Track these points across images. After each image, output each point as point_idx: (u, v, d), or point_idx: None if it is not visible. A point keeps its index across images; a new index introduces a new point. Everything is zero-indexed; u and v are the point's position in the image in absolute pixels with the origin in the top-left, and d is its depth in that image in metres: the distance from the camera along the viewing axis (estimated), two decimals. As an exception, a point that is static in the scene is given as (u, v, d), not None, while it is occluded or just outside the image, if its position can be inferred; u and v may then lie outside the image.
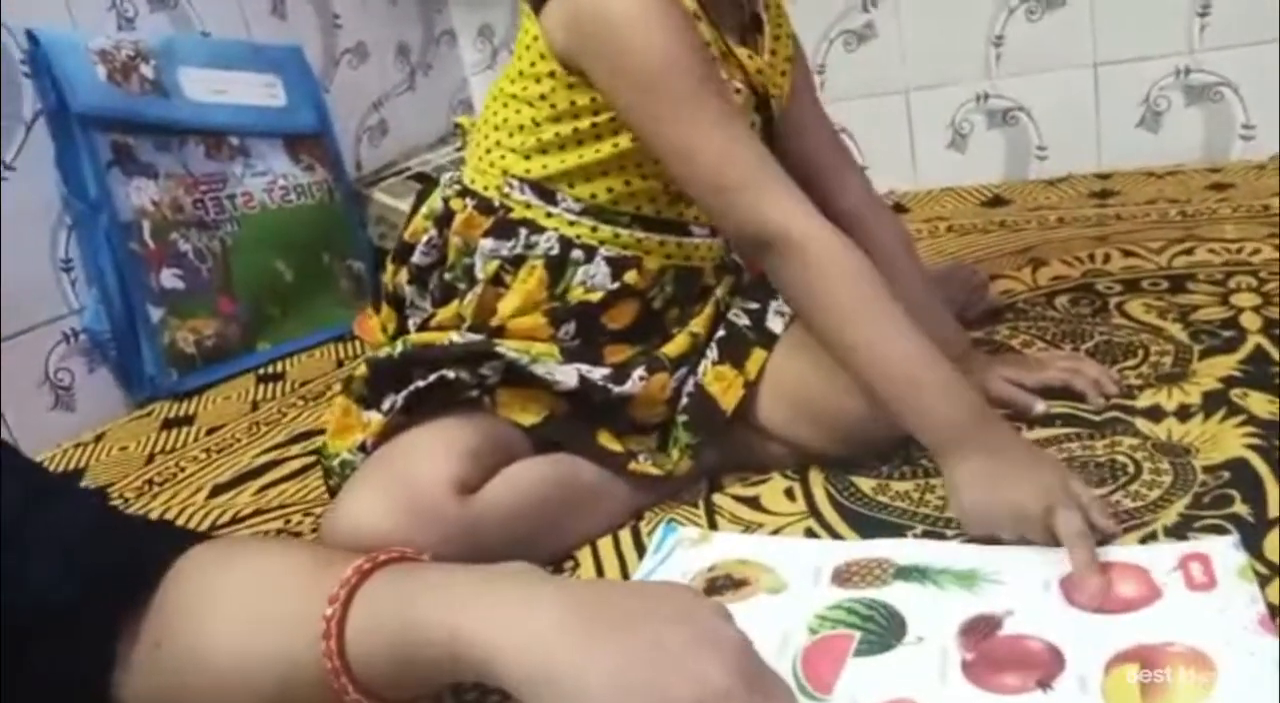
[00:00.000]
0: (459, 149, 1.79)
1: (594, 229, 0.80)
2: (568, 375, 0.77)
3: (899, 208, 1.57)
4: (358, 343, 1.44)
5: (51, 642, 0.55)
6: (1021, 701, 0.51)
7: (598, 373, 0.79)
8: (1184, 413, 0.78)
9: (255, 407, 1.27)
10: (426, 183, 1.62)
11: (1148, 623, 0.54)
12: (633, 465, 0.78)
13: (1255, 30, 1.41)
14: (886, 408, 0.71)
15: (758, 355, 0.82)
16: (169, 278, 1.34)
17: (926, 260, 1.23)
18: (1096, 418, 0.80)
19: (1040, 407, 0.82)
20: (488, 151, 0.82)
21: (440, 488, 0.70)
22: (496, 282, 0.81)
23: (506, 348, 0.77)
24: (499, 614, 0.47)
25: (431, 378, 0.75)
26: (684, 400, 0.82)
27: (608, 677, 0.44)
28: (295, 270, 1.49)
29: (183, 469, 1.09)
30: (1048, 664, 0.53)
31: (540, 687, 0.45)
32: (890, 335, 0.70)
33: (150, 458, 1.15)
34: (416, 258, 0.84)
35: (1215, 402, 0.79)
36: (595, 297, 0.80)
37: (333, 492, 0.80)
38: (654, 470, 0.78)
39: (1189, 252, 1.13)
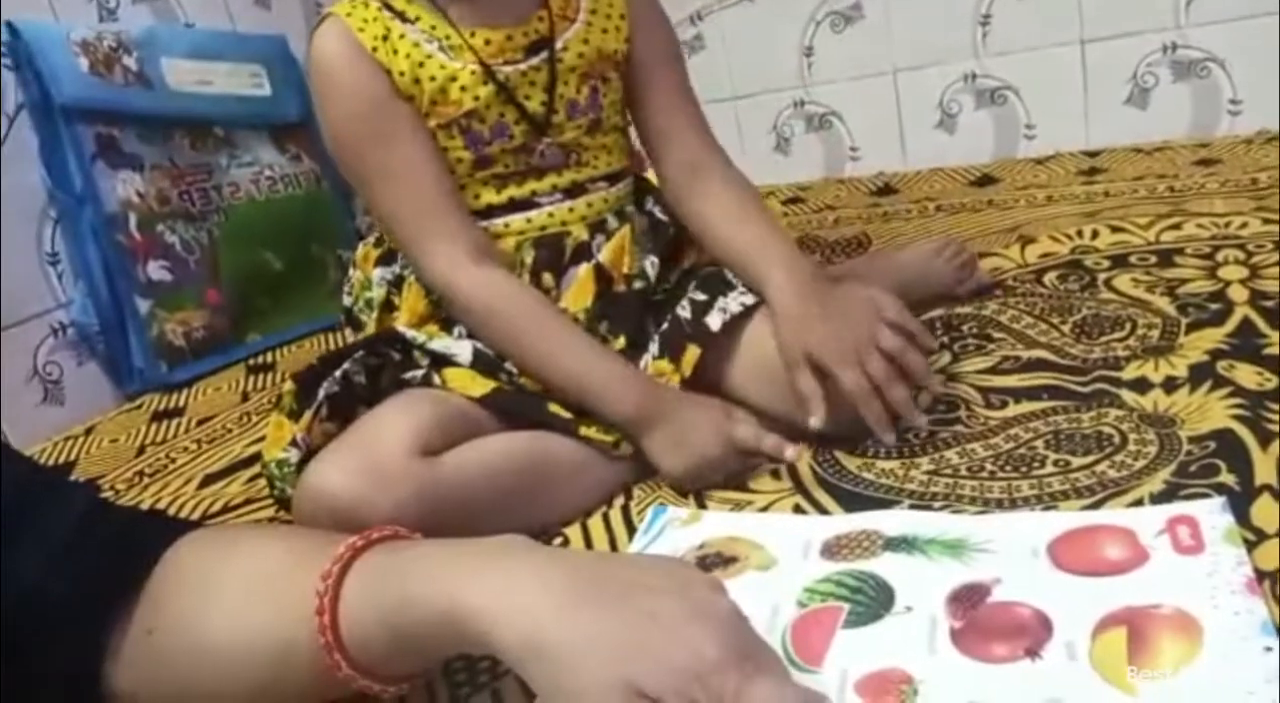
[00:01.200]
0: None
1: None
2: (463, 348, 0.82)
3: (888, 189, 1.57)
4: (347, 332, 1.43)
5: (44, 634, 0.55)
6: (1010, 669, 0.51)
7: (494, 350, 0.82)
8: (1170, 385, 0.78)
9: (246, 398, 1.26)
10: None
11: (1135, 586, 0.54)
12: (582, 430, 0.79)
13: (1242, 5, 1.40)
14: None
15: (692, 352, 0.83)
16: (156, 270, 1.34)
17: (915, 240, 1.23)
18: (1083, 390, 0.81)
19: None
20: None
21: (400, 450, 0.72)
22: (389, 305, 0.87)
23: (404, 329, 0.83)
24: (497, 585, 0.47)
25: (345, 365, 0.79)
26: None
27: (602, 647, 0.44)
28: (284, 261, 1.48)
29: (173, 460, 1.09)
30: (1036, 631, 0.53)
31: (536, 656, 0.45)
32: (555, 352, 0.79)
33: (141, 450, 1.15)
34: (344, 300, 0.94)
35: (1202, 373, 0.79)
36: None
37: (278, 500, 0.79)
38: (604, 438, 0.79)
39: (1177, 226, 1.13)
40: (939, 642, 0.54)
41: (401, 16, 0.82)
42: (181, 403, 1.29)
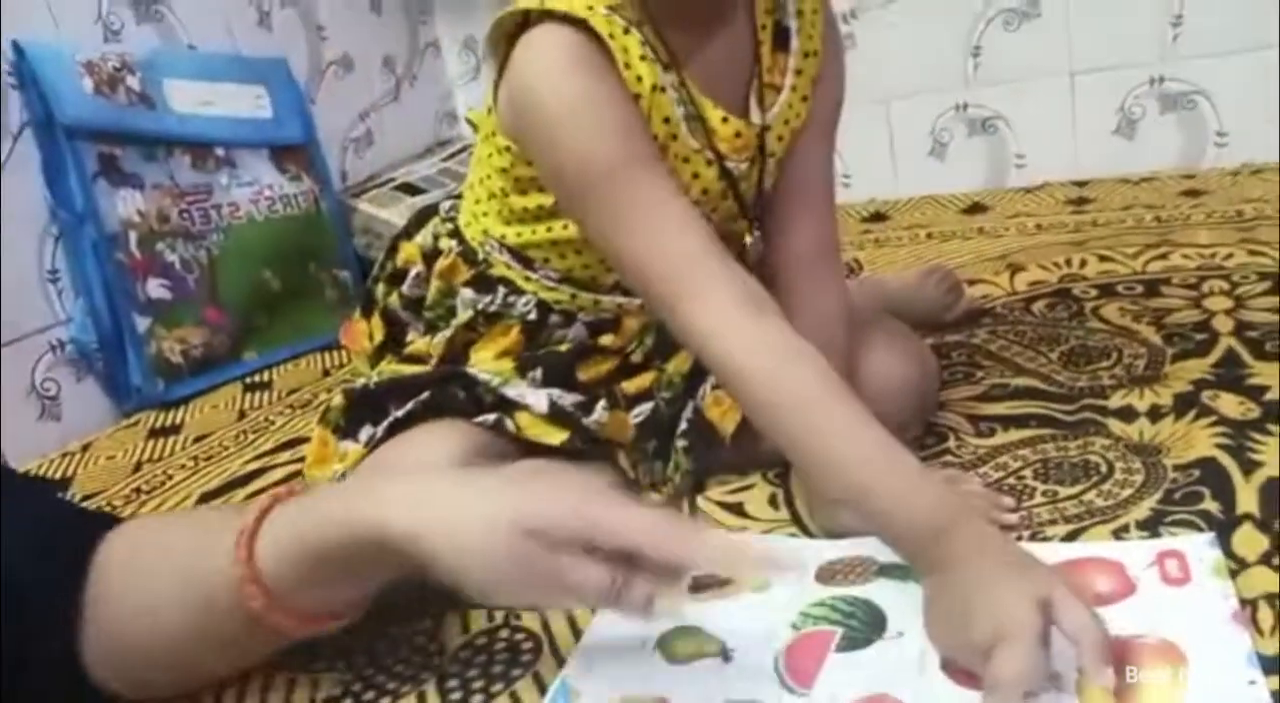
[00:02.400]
0: (445, 159, 1.80)
1: (573, 297, 0.80)
2: (539, 400, 0.78)
3: (879, 215, 1.59)
4: (344, 352, 1.44)
5: (22, 615, 0.58)
6: (997, 695, 0.52)
7: (568, 399, 0.79)
8: (1156, 413, 0.80)
9: (242, 415, 1.27)
10: (413, 195, 1.64)
11: (1121, 617, 0.55)
12: (640, 496, 0.79)
13: (1228, 39, 1.43)
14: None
15: None
16: (155, 288, 1.35)
17: (906, 267, 1.25)
18: (1070, 419, 0.82)
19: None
20: (475, 203, 0.81)
21: None
22: (471, 328, 0.82)
23: (478, 371, 0.78)
24: (388, 489, 0.54)
25: (409, 406, 0.77)
26: (683, 425, 0.82)
27: (482, 502, 0.50)
28: (282, 280, 1.49)
29: (170, 477, 1.10)
30: (1022, 659, 0.54)
31: (426, 528, 0.50)
32: (837, 446, 0.60)
33: (138, 467, 1.15)
34: (407, 288, 0.85)
35: (1186, 403, 0.80)
36: (564, 347, 0.81)
37: None
38: (658, 499, 0.80)
39: (1163, 257, 1.15)
40: (929, 668, 0.55)
41: (659, 57, 0.69)
42: (178, 420, 1.29)
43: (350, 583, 0.57)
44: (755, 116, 0.75)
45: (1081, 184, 1.52)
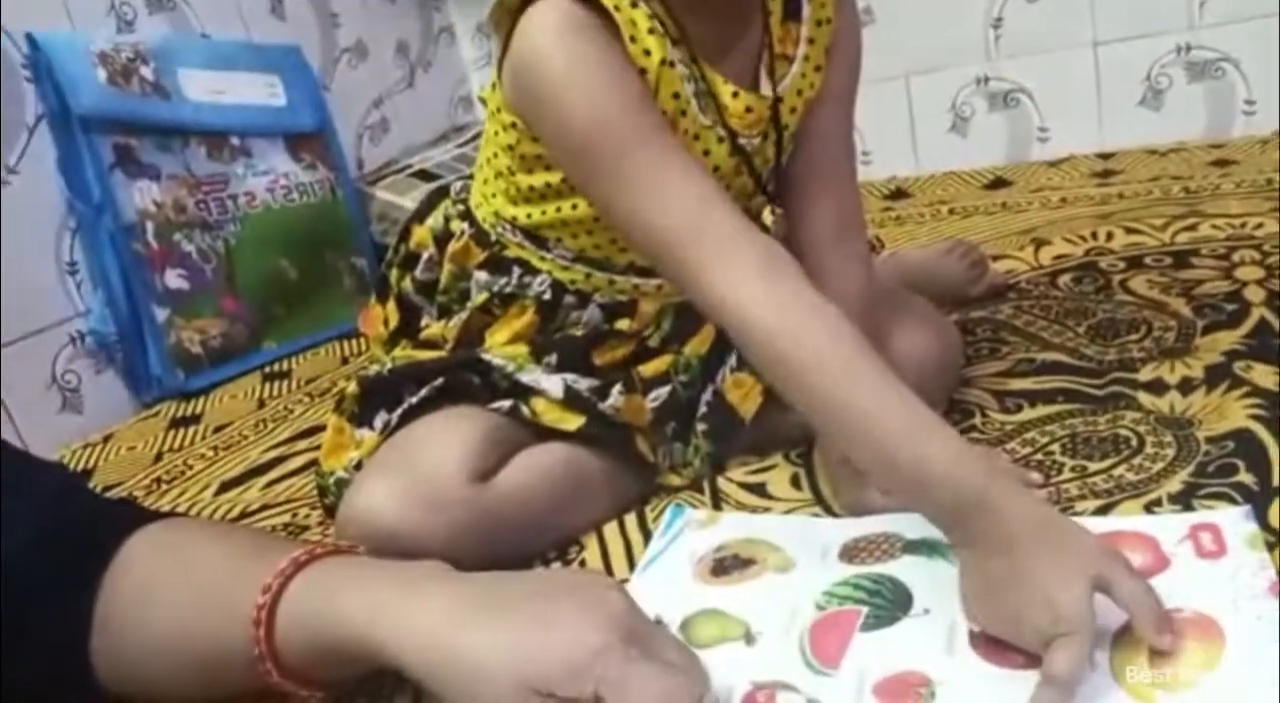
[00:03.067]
0: (461, 145, 1.79)
1: (587, 276, 0.78)
2: (554, 385, 0.77)
3: (900, 192, 1.57)
4: (362, 340, 1.44)
5: (32, 608, 0.58)
6: (1029, 675, 0.50)
7: (584, 384, 0.78)
8: (1187, 386, 0.78)
9: (262, 404, 1.27)
10: (429, 182, 1.64)
11: (1157, 591, 0.54)
12: (660, 479, 0.79)
13: (1256, 5, 1.40)
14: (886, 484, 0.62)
15: None
16: (173, 279, 1.35)
17: (929, 244, 1.23)
18: (1099, 393, 0.80)
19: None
20: (485, 183, 0.80)
21: (454, 478, 0.70)
22: (486, 311, 0.81)
23: (493, 356, 0.77)
24: (405, 612, 0.52)
25: (423, 393, 0.76)
26: (702, 408, 0.81)
27: (499, 656, 0.49)
28: (299, 269, 1.49)
29: (190, 467, 1.10)
30: (1055, 636, 0.53)
31: (441, 673, 0.50)
32: (864, 407, 0.57)
33: (158, 457, 1.15)
34: (419, 272, 0.84)
35: (1218, 374, 0.79)
36: (580, 331, 0.80)
37: (329, 510, 0.80)
38: (679, 481, 0.79)
39: (1192, 228, 1.12)
40: (957, 645, 0.54)
41: (668, 31, 0.68)
42: (198, 410, 1.29)
43: (362, 669, 0.58)
44: (765, 89, 0.74)
45: (1107, 156, 1.49)
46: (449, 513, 0.68)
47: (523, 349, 0.79)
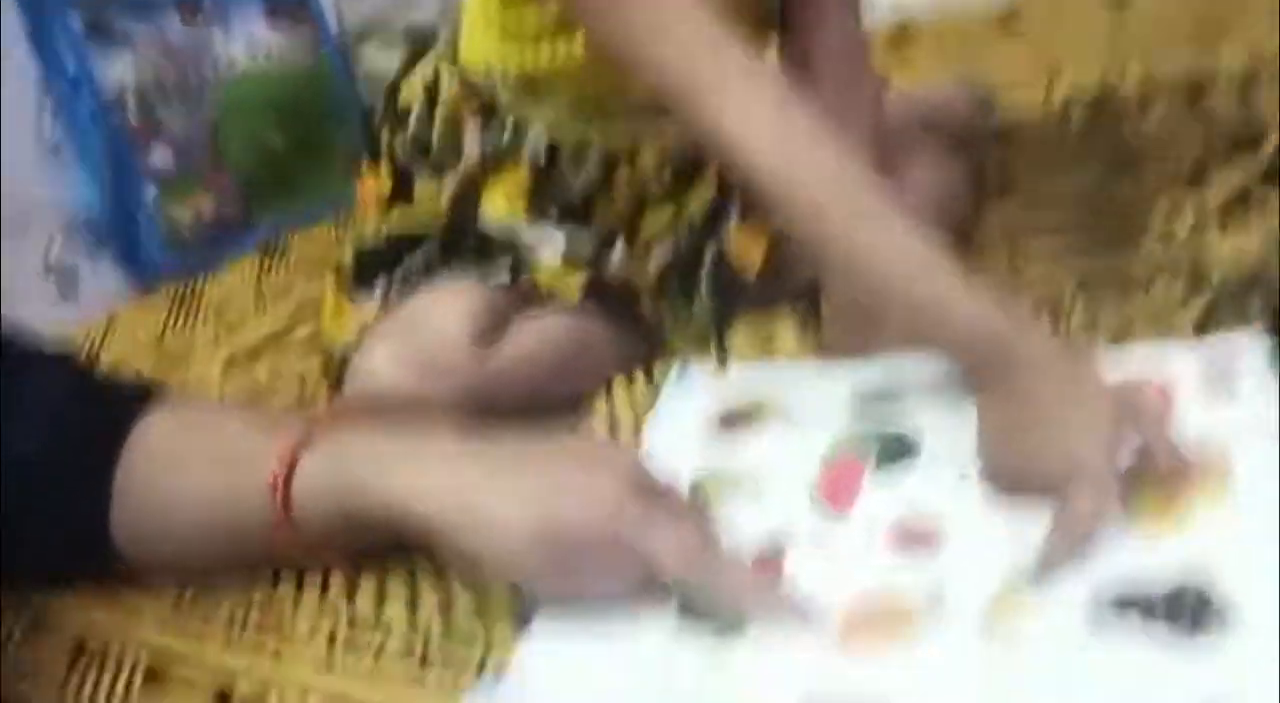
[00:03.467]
0: None
1: (585, 126, 0.76)
2: (554, 243, 0.75)
3: (904, 32, 1.50)
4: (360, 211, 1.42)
5: (52, 489, 0.59)
6: (1043, 510, 0.51)
7: (584, 237, 0.77)
8: (1201, 220, 0.76)
9: (261, 281, 1.26)
10: (419, 37, 1.57)
11: (1171, 431, 0.53)
12: (666, 339, 0.78)
13: None
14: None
15: None
16: (159, 155, 1.32)
17: (934, 82, 1.19)
18: (1110, 230, 0.79)
19: None
20: (474, 28, 0.77)
21: (458, 344, 0.70)
22: (480, 168, 0.78)
23: (488, 221, 0.76)
24: (421, 470, 0.53)
25: (419, 258, 0.75)
26: (707, 265, 0.79)
27: (519, 507, 0.50)
28: (288, 140, 1.46)
29: (195, 347, 1.10)
30: (1066, 472, 0.52)
31: (461, 526, 0.51)
32: (868, 240, 0.56)
33: (162, 338, 1.15)
34: (410, 131, 0.81)
35: (1234, 207, 0.77)
36: (578, 187, 0.77)
37: (334, 381, 0.79)
38: (685, 340, 0.78)
39: (1211, 54, 1.08)
40: (969, 488, 0.54)
41: None
42: (198, 291, 1.27)
43: (379, 535, 0.58)
44: None
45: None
46: (453, 379, 0.68)
47: (520, 206, 0.77)
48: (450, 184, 0.79)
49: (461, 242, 0.76)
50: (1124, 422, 0.48)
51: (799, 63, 0.76)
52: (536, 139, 0.76)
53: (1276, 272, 0.66)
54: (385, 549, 0.61)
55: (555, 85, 0.74)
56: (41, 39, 1.25)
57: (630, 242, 0.78)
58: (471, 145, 0.78)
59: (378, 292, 0.78)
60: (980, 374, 0.53)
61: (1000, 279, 0.76)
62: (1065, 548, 0.47)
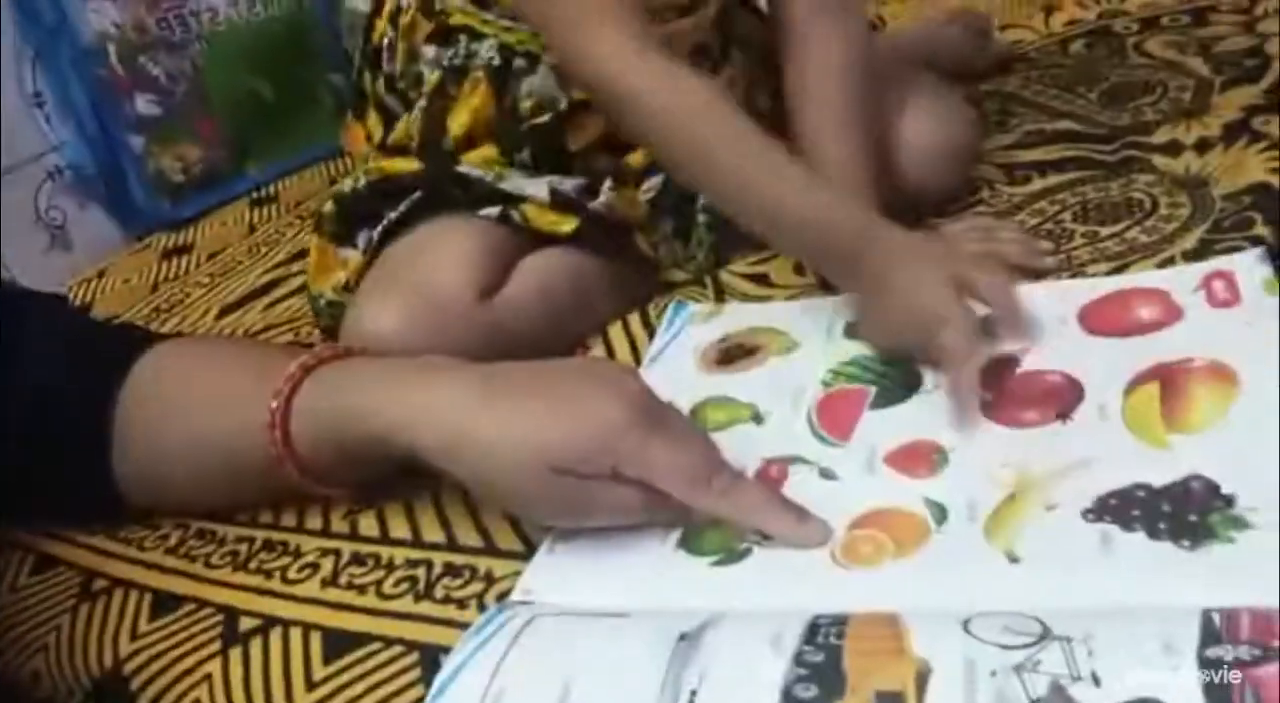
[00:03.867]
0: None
1: (534, 34, 0.73)
2: (538, 188, 0.73)
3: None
4: (349, 159, 1.40)
5: (55, 433, 0.59)
6: (1041, 431, 0.51)
7: (569, 184, 0.75)
8: (1203, 145, 0.76)
9: (253, 229, 1.24)
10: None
11: (1168, 343, 0.53)
12: (664, 276, 0.77)
13: None
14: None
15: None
16: (144, 104, 1.29)
17: (929, 16, 1.17)
18: (1111, 159, 0.78)
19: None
20: None
21: (459, 296, 0.69)
22: (442, 94, 0.76)
23: (469, 167, 0.74)
24: (419, 397, 0.52)
25: (402, 208, 0.73)
26: (702, 200, 0.77)
27: (516, 431, 0.49)
28: (273, 87, 1.42)
29: (188, 295, 1.09)
30: (1066, 395, 0.53)
31: (458, 452, 0.50)
32: (753, 174, 0.62)
33: (155, 287, 1.14)
34: (385, 65, 0.80)
35: (1236, 131, 0.76)
36: (545, 118, 0.75)
37: (325, 331, 0.79)
38: (683, 277, 0.77)
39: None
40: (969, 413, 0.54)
41: None
42: (189, 240, 1.27)
43: (379, 466, 0.58)
44: None
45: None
46: (454, 332, 0.67)
47: (493, 152, 0.75)
48: (418, 117, 0.77)
49: (445, 191, 0.74)
50: (963, 277, 0.55)
51: (779, 14, 0.74)
52: (489, 52, 0.75)
53: (1277, 194, 0.66)
54: (387, 480, 0.61)
55: None
56: (18, -13, 1.22)
57: (619, 176, 0.76)
58: (430, 70, 0.76)
59: (361, 243, 0.76)
60: (844, 275, 0.62)
61: (999, 212, 0.75)
62: (963, 387, 0.53)
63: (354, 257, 0.76)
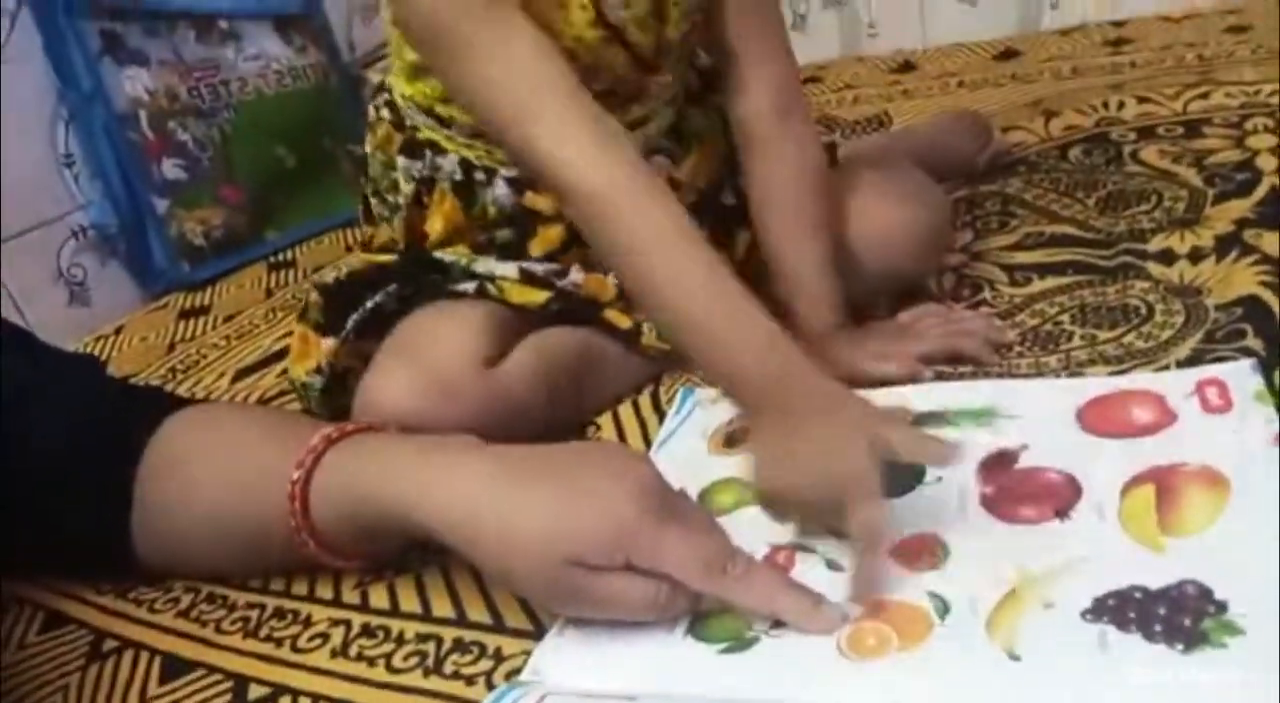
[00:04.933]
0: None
1: (489, 151, 0.77)
2: (508, 269, 0.77)
3: (908, 65, 1.53)
4: (365, 228, 1.43)
5: (73, 494, 0.61)
6: (1040, 530, 0.53)
7: (540, 267, 0.78)
8: (1196, 255, 0.78)
9: (269, 293, 1.27)
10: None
11: (1163, 446, 0.55)
12: (644, 341, 0.78)
13: None
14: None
15: (744, 236, 0.80)
16: (171, 169, 1.33)
17: (933, 114, 1.21)
18: (1108, 264, 0.81)
19: (928, 375, 0.70)
20: (393, 65, 0.79)
21: (464, 365, 0.71)
22: (418, 202, 0.80)
23: (443, 254, 0.78)
24: (434, 477, 0.53)
25: (378, 298, 0.76)
26: None
27: (532, 522, 0.50)
28: (296, 156, 1.47)
29: (204, 356, 1.11)
30: (1064, 493, 0.54)
31: (475, 538, 0.51)
32: (673, 278, 0.60)
33: (171, 347, 1.16)
34: (369, 170, 0.84)
35: (1228, 243, 0.78)
36: (507, 231, 0.79)
37: (308, 410, 0.82)
38: (662, 345, 0.79)
39: (1205, 96, 1.10)
40: (970, 507, 0.56)
41: None
42: (206, 301, 1.30)
43: (394, 541, 0.59)
44: None
45: (1119, 24, 1.45)
46: (462, 400, 0.69)
47: (464, 250, 0.79)
48: (399, 223, 0.81)
49: (421, 273, 0.78)
50: (881, 439, 0.52)
51: (731, 106, 0.77)
52: (451, 166, 0.78)
53: (1269, 304, 0.68)
54: (399, 554, 0.63)
55: (453, 115, 0.76)
56: (58, 53, 1.26)
57: (587, 263, 0.79)
58: (405, 180, 0.80)
59: (344, 330, 0.78)
60: (761, 413, 0.58)
61: (1000, 312, 0.78)
62: (875, 565, 0.51)
63: (330, 343, 0.78)
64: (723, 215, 0.80)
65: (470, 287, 0.76)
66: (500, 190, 0.78)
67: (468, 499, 0.52)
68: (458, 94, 0.69)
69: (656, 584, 0.49)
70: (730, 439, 0.68)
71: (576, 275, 0.78)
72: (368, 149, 0.84)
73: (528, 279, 0.77)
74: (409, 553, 0.64)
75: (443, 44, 0.65)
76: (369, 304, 0.76)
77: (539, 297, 0.77)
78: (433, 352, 0.72)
